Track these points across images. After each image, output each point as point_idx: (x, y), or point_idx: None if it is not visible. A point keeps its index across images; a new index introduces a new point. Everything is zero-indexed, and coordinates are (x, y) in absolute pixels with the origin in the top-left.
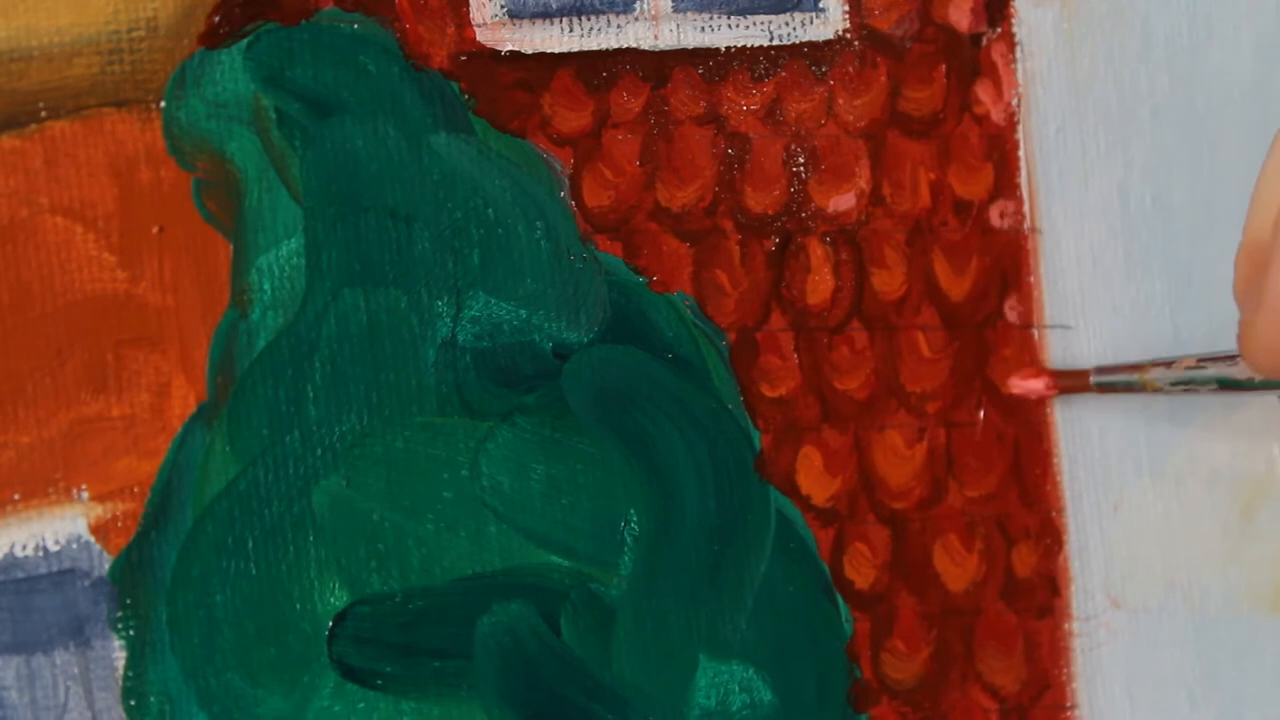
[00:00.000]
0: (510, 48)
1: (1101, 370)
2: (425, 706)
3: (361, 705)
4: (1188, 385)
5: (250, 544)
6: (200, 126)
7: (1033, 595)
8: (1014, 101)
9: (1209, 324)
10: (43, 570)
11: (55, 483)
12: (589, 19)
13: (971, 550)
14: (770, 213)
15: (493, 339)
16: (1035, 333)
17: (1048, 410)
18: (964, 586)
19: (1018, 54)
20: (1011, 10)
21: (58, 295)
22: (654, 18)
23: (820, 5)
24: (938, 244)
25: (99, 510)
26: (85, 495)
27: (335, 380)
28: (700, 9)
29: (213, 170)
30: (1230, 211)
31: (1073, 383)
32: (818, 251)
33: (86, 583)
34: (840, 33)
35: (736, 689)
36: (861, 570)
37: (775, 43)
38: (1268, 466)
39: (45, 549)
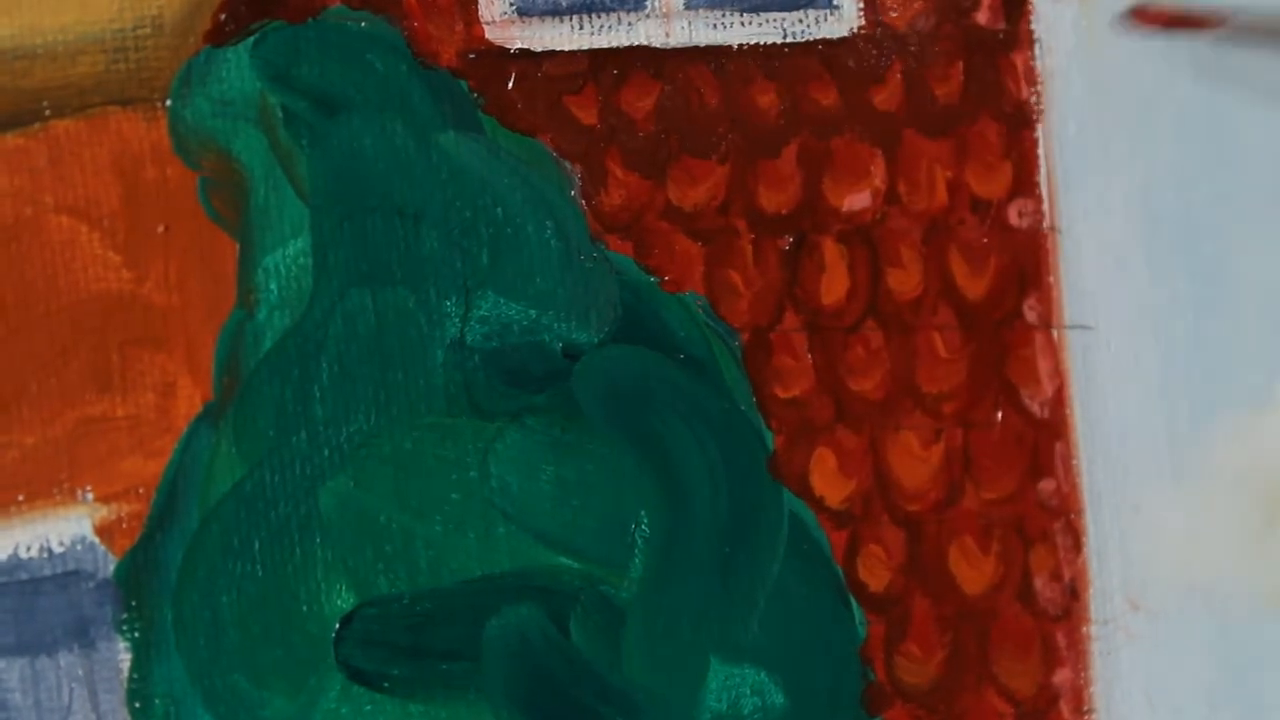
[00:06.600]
0: (520, 45)
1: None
2: (433, 709)
3: (369, 708)
4: None
5: (256, 545)
6: (206, 125)
7: (1050, 598)
8: (1033, 99)
9: (1234, 324)
10: (47, 572)
11: (60, 483)
12: (599, 16)
13: (988, 553)
14: (784, 212)
15: (502, 339)
16: (1055, 333)
17: (1067, 411)
18: (980, 589)
19: (1036, 51)
20: (1030, 6)
21: (62, 295)
22: (665, 15)
23: (834, 2)
24: (955, 243)
25: (104, 511)
26: (90, 496)
27: (342, 380)
28: (712, 6)
29: (219, 169)
30: (1256, 209)
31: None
32: (832, 251)
33: (91, 584)
34: (855, 29)
35: (748, 692)
36: (876, 573)
37: (788, 40)
38: None
39: (50, 550)
